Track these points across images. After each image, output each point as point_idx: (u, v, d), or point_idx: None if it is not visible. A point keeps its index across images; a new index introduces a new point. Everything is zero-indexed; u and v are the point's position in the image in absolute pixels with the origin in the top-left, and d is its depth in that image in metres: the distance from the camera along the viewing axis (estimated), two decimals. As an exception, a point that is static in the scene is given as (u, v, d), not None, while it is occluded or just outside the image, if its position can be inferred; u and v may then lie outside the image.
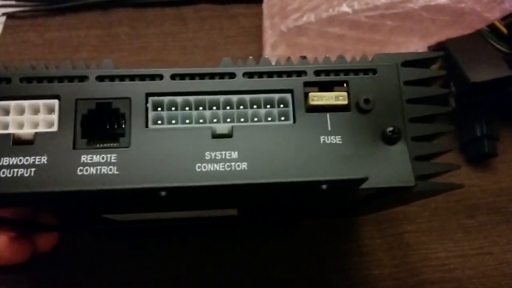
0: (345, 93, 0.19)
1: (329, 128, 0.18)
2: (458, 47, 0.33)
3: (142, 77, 0.18)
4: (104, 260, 0.31)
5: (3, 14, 0.43)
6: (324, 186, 0.17)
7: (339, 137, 0.18)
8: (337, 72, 0.19)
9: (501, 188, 0.34)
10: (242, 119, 0.19)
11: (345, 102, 0.19)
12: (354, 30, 0.35)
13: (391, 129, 0.18)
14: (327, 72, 0.19)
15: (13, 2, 0.44)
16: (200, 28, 0.44)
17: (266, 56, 0.38)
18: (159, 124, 0.18)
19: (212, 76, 0.19)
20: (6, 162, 0.17)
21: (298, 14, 0.36)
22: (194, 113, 0.18)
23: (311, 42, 0.36)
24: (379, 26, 0.35)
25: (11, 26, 0.43)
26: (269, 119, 0.19)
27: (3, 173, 0.17)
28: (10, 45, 0.41)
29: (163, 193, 0.16)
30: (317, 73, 0.19)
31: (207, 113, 0.19)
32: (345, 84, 0.19)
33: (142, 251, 0.31)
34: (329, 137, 0.18)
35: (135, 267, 0.30)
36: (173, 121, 0.18)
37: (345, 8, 0.34)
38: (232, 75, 0.19)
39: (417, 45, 0.35)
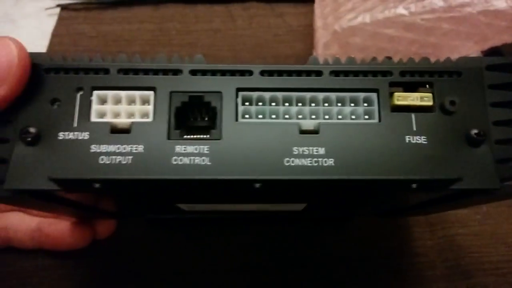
0: (430, 94, 0.19)
1: (414, 128, 0.19)
2: (515, 52, 0.33)
3: (233, 72, 0.19)
4: (159, 249, 0.31)
5: (58, 5, 0.45)
6: (414, 185, 0.17)
7: (424, 137, 0.18)
8: (422, 73, 0.19)
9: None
10: (327, 116, 0.19)
11: (430, 103, 0.19)
12: (409, 32, 0.35)
13: (476, 131, 0.18)
14: (412, 73, 0.19)
15: (66, -6, 0.45)
16: (248, 26, 0.44)
17: (318, 55, 0.38)
18: (247, 118, 0.19)
19: (299, 73, 0.19)
20: (104, 149, 0.18)
21: (352, 14, 0.36)
22: (281, 108, 0.19)
23: (364, 43, 0.37)
24: (434, 29, 0.35)
25: (65, 18, 0.44)
26: (354, 117, 0.19)
27: (102, 159, 0.17)
28: (64, 36, 0.42)
29: (257, 185, 0.17)
30: (403, 73, 0.19)
31: (294, 109, 0.19)
32: (429, 86, 0.19)
33: (197, 242, 0.32)
34: (414, 137, 0.18)
35: (190, 258, 0.31)
36: (261, 116, 0.19)
37: (401, 10, 0.35)
38: (318, 73, 0.19)
39: (472, 49, 0.35)
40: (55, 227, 0.30)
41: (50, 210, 0.25)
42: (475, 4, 0.33)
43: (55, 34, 0.42)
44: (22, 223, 0.30)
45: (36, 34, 0.43)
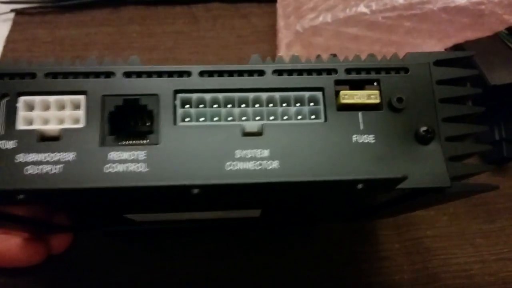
0: (377, 92, 0.18)
1: (361, 127, 0.18)
2: (476, 49, 0.33)
3: (170, 74, 0.18)
4: (118, 262, 0.30)
5: (12, 10, 0.43)
6: (360, 186, 0.16)
7: (372, 136, 0.18)
8: (368, 71, 0.19)
9: (520, 192, 0.34)
10: (272, 117, 0.18)
11: (377, 100, 0.18)
12: (371, 30, 0.35)
13: (424, 128, 0.18)
14: (358, 71, 0.19)
15: (22, -1, 0.44)
16: (212, 27, 0.43)
17: (281, 56, 0.37)
18: (187, 121, 0.18)
19: (241, 73, 0.18)
20: (32, 158, 0.16)
21: (314, 14, 0.36)
22: (223, 110, 0.18)
23: (327, 43, 0.36)
24: (396, 27, 0.34)
25: (20, 23, 0.42)
26: (299, 117, 0.18)
27: (30, 169, 0.16)
28: (19, 41, 0.41)
29: (195, 191, 0.16)
30: (348, 71, 0.19)
31: (236, 110, 0.18)
32: (376, 83, 0.19)
33: (156, 253, 0.30)
34: (361, 136, 0.18)
35: (148, 270, 0.30)
36: (202, 119, 0.18)
37: (362, 8, 0.34)
38: (261, 73, 0.18)
39: (435, 47, 0.35)
40: (6, 244, 0.28)
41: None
42: (436, 1, 0.33)
43: (10, 40, 0.41)
44: (-31, 240, 0.28)
45: (-10, 40, 0.42)
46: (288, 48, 0.37)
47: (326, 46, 0.36)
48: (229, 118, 0.18)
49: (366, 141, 0.18)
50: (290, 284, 0.30)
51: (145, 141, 0.17)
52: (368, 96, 0.18)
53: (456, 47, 0.35)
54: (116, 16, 0.43)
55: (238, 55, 0.42)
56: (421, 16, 0.34)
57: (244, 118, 0.18)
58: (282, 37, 0.37)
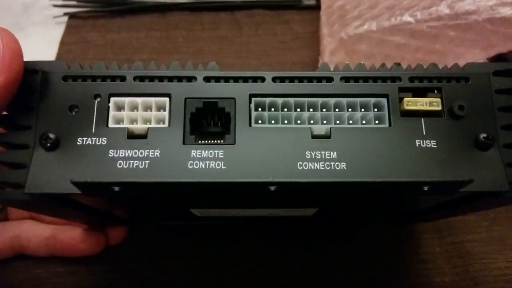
0: (438, 99, 0.19)
1: (424, 133, 0.19)
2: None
3: (246, 79, 0.19)
4: (169, 256, 0.32)
5: (65, 13, 0.45)
6: (426, 188, 0.17)
7: (434, 141, 0.19)
8: (430, 79, 0.20)
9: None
10: (338, 121, 0.19)
11: (439, 108, 0.19)
12: (415, 39, 0.36)
13: (484, 135, 0.19)
14: (421, 79, 0.20)
15: (74, 3, 0.46)
16: (254, 33, 0.45)
17: (324, 62, 0.39)
18: (260, 123, 0.19)
19: (310, 79, 0.20)
20: (122, 154, 0.18)
21: (358, 22, 0.37)
22: (293, 114, 0.19)
23: (370, 50, 0.37)
24: (440, 36, 0.35)
25: (73, 26, 0.44)
26: (364, 122, 0.19)
27: (120, 164, 0.18)
28: (72, 44, 0.43)
29: (272, 188, 0.17)
30: (412, 79, 0.20)
31: (306, 114, 0.19)
32: (437, 91, 0.20)
33: (207, 248, 0.32)
34: (424, 141, 0.19)
35: (199, 264, 0.31)
36: (273, 121, 0.19)
37: (407, 17, 0.35)
38: (329, 79, 0.20)
39: (477, 56, 0.36)
40: (69, 234, 0.30)
41: (64, 216, 0.26)
42: (481, 12, 0.34)
43: (64, 42, 0.43)
44: (34, 231, 0.30)
45: (44, 42, 0.44)
46: (332, 54, 0.38)
47: (370, 54, 0.37)
48: (298, 121, 0.19)
49: (429, 146, 0.19)
50: (332, 283, 0.31)
51: (222, 141, 0.19)
52: (430, 103, 0.19)
53: (499, 57, 0.35)
54: (163, 21, 0.45)
55: (280, 61, 0.43)
56: (465, 26, 0.34)
57: (312, 121, 0.19)
58: (327, 44, 0.38)
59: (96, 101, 0.19)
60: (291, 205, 0.24)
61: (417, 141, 0.19)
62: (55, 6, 0.46)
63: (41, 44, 0.44)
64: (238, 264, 0.31)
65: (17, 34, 0.18)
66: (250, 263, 0.31)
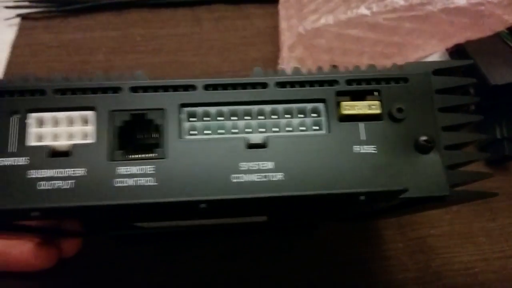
0: (377, 102, 0.19)
1: (363, 138, 0.18)
2: (477, 49, 0.33)
3: (175, 88, 0.19)
4: (126, 265, 0.31)
5: (17, 15, 0.43)
6: (362, 197, 0.17)
7: (373, 146, 0.18)
8: (368, 81, 0.19)
9: (522, 190, 0.34)
10: (276, 129, 0.19)
11: (378, 111, 0.19)
12: (372, 32, 0.35)
13: (424, 138, 0.18)
14: (359, 81, 0.19)
15: (26, 3, 0.44)
16: (215, 29, 0.44)
17: (284, 58, 0.38)
18: (193, 134, 0.18)
19: (244, 86, 0.19)
20: (43, 174, 0.17)
21: (315, 16, 0.36)
22: (228, 123, 0.19)
23: (329, 44, 0.36)
24: (397, 28, 0.34)
25: (25, 28, 0.43)
26: (303, 128, 0.19)
27: (40, 185, 0.17)
28: (25, 46, 0.41)
29: (202, 206, 0.17)
30: (349, 82, 0.19)
31: (241, 122, 0.19)
32: (377, 93, 0.19)
33: (163, 256, 0.31)
34: (363, 146, 0.18)
35: (156, 272, 0.31)
36: (207, 131, 0.18)
37: (363, 10, 0.34)
38: (264, 85, 0.19)
39: (435, 47, 0.35)
40: (18, 249, 0.29)
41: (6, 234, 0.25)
42: (436, 2, 0.33)
43: (16, 46, 0.41)
44: (-17, 248, 0.29)
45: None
46: (291, 50, 0.37)
47: (328, 48, 0.36)
48: (234, 130, 0.19)
49: (368, 151, 0.18)
50: (293, 285, 0.31)
51: (153, 155, 0.18)
52: (369, 106, 0.19)
53: (457, 47, 0.35)
54: (120, 20, 0.43)
55: (241, 57, 0.42)
56: (421, 17, 0.34)
57: (248, 130, 0.19)
58: (285, 39, 0.37)
59: (13, 118, 0.17)
60: (235, 215, 0.23)
61: (355, 147, 0.18)
62: (7, 7, 0.44)
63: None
64: (199, 271, 0.31)
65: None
66: (210, 269, 0.31)
